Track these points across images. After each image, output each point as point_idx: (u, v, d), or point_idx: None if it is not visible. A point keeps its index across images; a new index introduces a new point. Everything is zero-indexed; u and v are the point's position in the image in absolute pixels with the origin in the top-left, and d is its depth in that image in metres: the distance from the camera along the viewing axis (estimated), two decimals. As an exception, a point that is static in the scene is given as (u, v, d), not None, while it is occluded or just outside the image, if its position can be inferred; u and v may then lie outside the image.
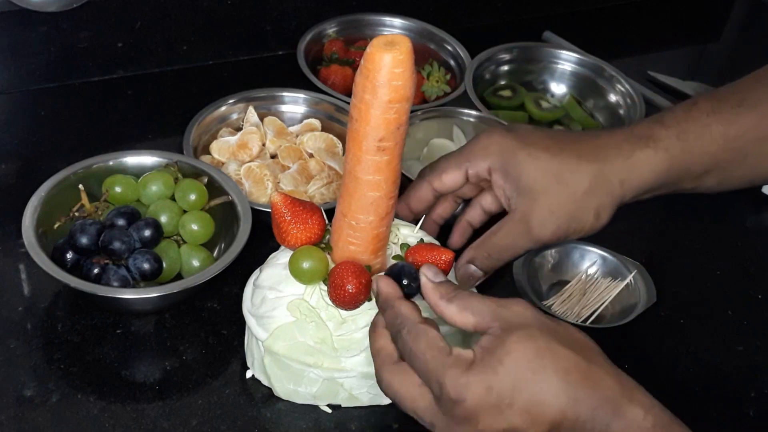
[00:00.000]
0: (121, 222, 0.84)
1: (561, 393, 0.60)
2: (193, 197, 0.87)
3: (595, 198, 0.79)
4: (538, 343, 0.61)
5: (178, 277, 0.85)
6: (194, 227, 0.85)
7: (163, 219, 0.86)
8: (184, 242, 0.86)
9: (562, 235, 0.80)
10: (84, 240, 0.81)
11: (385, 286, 0.69)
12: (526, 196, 0.78)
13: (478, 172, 0.81)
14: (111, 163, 0.89)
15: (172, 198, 0.88)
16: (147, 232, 0.83)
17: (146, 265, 0.81)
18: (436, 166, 0.83)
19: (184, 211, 0.87)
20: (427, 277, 0.68)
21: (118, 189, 0.87)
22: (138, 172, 0.89)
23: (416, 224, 0.80)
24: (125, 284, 0.81)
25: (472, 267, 0.80)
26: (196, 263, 0.85)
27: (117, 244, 0.81)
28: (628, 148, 0.79)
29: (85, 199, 0.86)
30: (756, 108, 0.81)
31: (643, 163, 0.79)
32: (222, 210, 0.88)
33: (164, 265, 0.83)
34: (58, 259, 0.81)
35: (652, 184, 0.80)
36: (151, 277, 0.82)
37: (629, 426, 0.61)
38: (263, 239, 0.87)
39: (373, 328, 0.69)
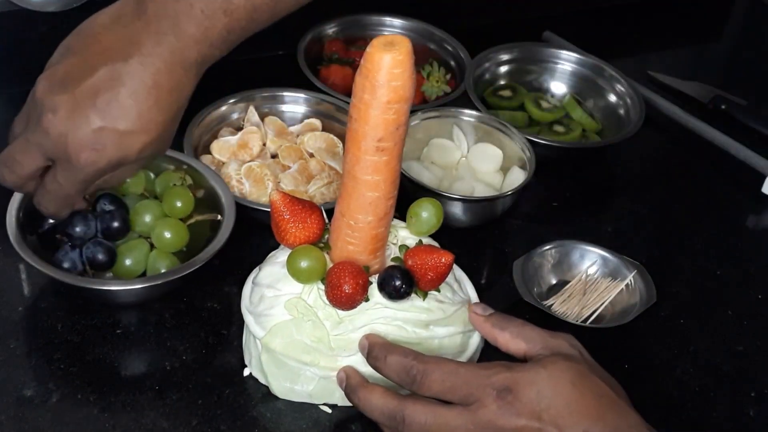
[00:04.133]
0: (109, 208, 0.85)
1: (591, 409, 0.66)
2: (178, 204, 0.87)
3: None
4: (581, 368, 0.68)
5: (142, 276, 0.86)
6: (166, 234, 0.85)
7: (146, 218, 0.86)
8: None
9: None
10: (50, 219, 0.84)
11: (375, 337, 0.74)
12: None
13: (37, 164, 0.77)
14: None
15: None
16: (114, 224, 0.84)
17: (99, 256, 0.83)
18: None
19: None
20: (477, 312, 0.75)
21: (127, 179, 0.87)
22: None
23: None
24: (73, 267, 0.82)
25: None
26: (162, 270, 0.85)
27: (74, 229, 0.83)
28: (154, 31, 0.74)
29: None
30: None
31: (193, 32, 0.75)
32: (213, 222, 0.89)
33: (128, 262, 0.84)
34: (38, 222, 0.85)
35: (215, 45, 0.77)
36: (100, 268, 0.83)
37: None
38: (263, 238, 0.87)
39: (360, 388, 0.72)
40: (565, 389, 0.66)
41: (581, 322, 0.88)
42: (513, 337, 0.72)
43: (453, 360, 0.71)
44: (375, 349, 0.72)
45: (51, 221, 0.85)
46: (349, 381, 0.74)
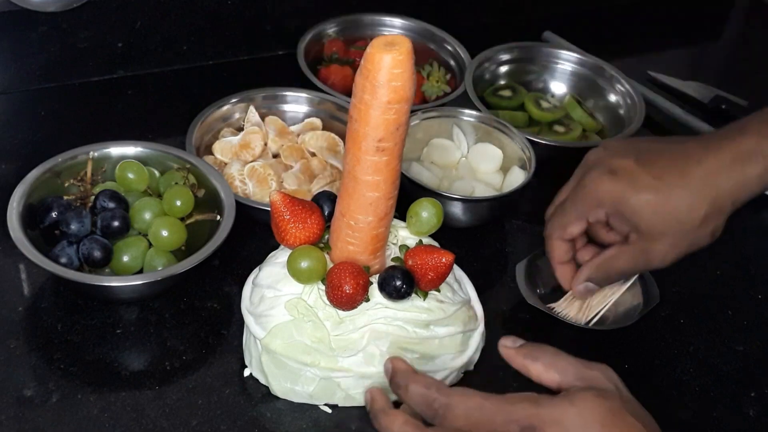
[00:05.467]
0: (111, 205, 0.86)
1: None
2: (178, 203, 0.87)
3: (711, 223, 0.81)
4: (613, 404, 0.63)
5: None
6: (163, 233, 0.85)
7: (145, 216, 0.86)
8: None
9: (681, 258, 0.84)
10: (52, 215, 0.85)
11: (399, 362, 0.71)
12: (645, 235, 0.82)
13: (598, 219, 0.85)
14: (96, 154, 0.91)
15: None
16: (114, 223, 0.85)
17: (95, 253, 0.83)
18: (558, 222, 0.87)
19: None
20: (507, 346, 0.70)
21: (131, 175, 0.89)
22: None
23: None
24: (70, 263, 0.83)
25: (591, 284, 0.87)
26: (159, 268, 0.85)
27: (69, 226, 0.83)
28: (739, 170, 0.80)
29: (89, 168, 0.89)
30: None
31: (754, 180, 0.80)
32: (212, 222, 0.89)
33: (125, 258, 0.84)
34: (42, 213, 0.86)
35: (758, 193, 0.82)
36: (96, 265, 0.84)
37: None
38: (264, 238, 0.87)
39: (381, 414, 0.69)
40: (593, 428, 0.62)
41: (584, 324, 0.88)
42: (546, 369, 0.67)
43: (478, 392, 0.66)
44: (397, 375, 0.70)
45: (53, 215, 0.85)
46: (373, 405, 0.71)
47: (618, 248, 0.85)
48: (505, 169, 1.02)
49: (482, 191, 0.99)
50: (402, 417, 0.68)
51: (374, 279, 0.75)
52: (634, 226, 0.82)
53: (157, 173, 0.92)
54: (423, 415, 0.67)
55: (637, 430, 0.62)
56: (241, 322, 0.80)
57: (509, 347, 0.70)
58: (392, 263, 0.77)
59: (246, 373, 0.81)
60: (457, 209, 0.95)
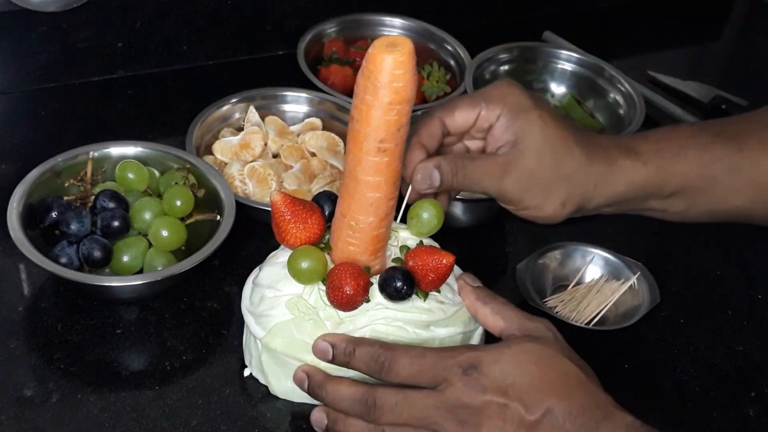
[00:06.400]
0: (111, 205, 0.86)
1: (557, 388, 0.67)
2: (178, 203, 0.87)
3: (570, 188, 0.78)
4: (546, 349, 0.69)
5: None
6: (163, 233, 0.85)
7: (145, 216, 0.86)
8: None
9: (524, 202, 0.79)
10: (52, 215, 0.85)
11: (331, 336, 0.73)
12: (518, 150, 0.77)
13: (488, 116, 0.79)
14: (96, 154, 0.91)
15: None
16: (114, 223, 0.85)
17: (95, 253, 0.83)
18: (448, 104, 0.80)
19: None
20: (466, 281, 0.77)
21: (131, 175, 0.89)
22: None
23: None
24: (70, 263, 0.83)
25: (437, 173, 0.78)
26: (159, 268, 0.85)
27: (69, 226, 0.84)
28: (614, 155, 0.79)
29: (89, 168, 0.89)
30: (734, 139, 0.81)
31: (621, 173, 0.79)
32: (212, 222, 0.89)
33: (125, 258, 0.84)
34: (42, 213, 0.86)
35: (621, 195, 0.80)
36: (96, 265, 0.84)
37: (618, 427, 0.66)
38: (264, 238, 0.87)
39: (326, 383, 0.72)
40: (529, 367, 0.67)
41: (585, 324, 0.88)
42: (492, 314, 0.74)
43: (420, 346, 0.71)
44: (341, 344, 0.72)
45: (53, 215, 0.85)
46: (313, 378, 0.73)
47: (479, 154, 0.80)
48: (505, 169, 1.02)
49: (482, 191, 0.99)
50: (348, 379, 0.72)
51: (375, 280, 0.75)
52: (515, 135, 0.77)
53: (157, 173, 0.92)
54: (370, 372, 0.71)
55: (570, 368, 0.68)
56: (241, 322, 0.80)
57: (467, 284, 0.76)
58: (393, 264, 0.77)
59: (246, 373, 0.81)
60: (457, 209, 0.95)
